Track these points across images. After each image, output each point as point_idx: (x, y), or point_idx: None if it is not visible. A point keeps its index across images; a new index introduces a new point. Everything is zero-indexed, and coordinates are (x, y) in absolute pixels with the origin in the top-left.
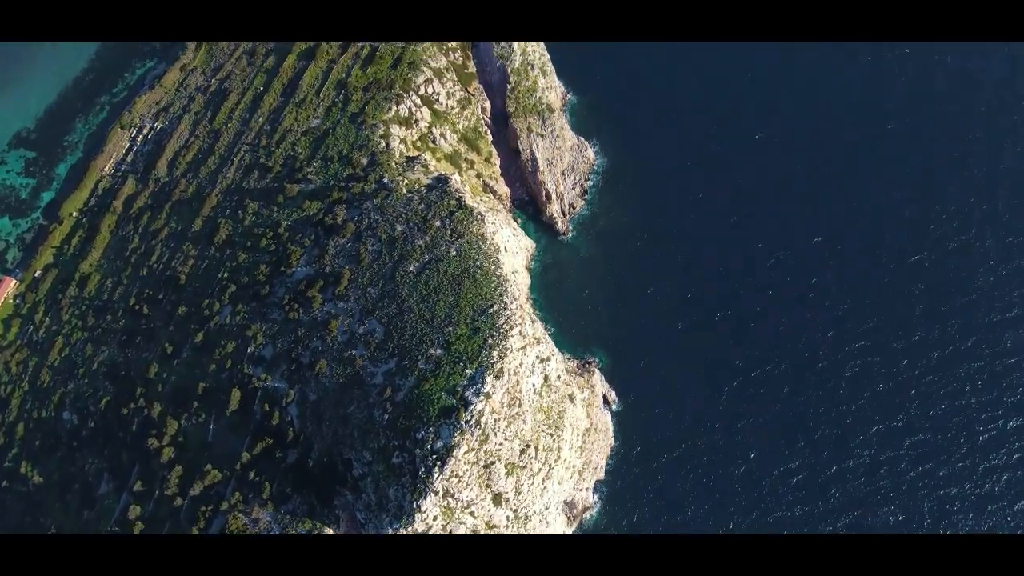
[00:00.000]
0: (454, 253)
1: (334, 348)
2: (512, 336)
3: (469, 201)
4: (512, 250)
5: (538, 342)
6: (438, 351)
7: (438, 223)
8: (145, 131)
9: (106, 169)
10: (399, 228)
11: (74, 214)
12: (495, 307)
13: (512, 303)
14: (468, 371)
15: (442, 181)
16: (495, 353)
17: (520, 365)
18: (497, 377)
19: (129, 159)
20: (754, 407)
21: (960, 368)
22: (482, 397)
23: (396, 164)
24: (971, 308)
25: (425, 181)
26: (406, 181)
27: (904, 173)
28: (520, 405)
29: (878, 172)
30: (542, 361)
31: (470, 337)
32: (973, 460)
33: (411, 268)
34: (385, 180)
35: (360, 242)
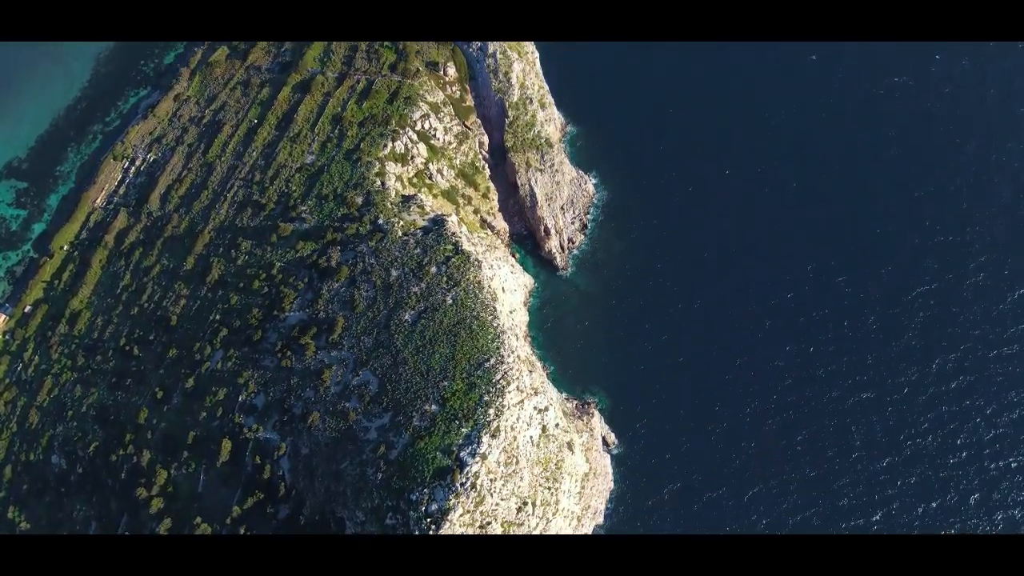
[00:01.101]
0: (450, 302)
1: (327, 399)
2: (509, 392)
3: (466, 245)
4: (510, 288)
5: (536, 392)
6: (433, 407)
7: (434, 269)
8: (138, 162)
9: (98, 201)
10: (394, 273)
11: (65, 247)
12: (492, 361)
13: (509, 356)
14: (464, 430)
15: (438, 223)
16: (491, 411)
17: (517, 420)
18: (493, 436)
19: (121, 191)
20: (755, 446)
21: (963, 389)
22: (478, 458)
23: (391, 204)
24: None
25: (421, 223)
26: (401, 223)
27: (910, 209)
28: (517, 462)
29: (885, 205)
30: (540, 412)
31: (466, 393)
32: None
33: (406, 317)
34: (380, 221)
35: (354, 287)
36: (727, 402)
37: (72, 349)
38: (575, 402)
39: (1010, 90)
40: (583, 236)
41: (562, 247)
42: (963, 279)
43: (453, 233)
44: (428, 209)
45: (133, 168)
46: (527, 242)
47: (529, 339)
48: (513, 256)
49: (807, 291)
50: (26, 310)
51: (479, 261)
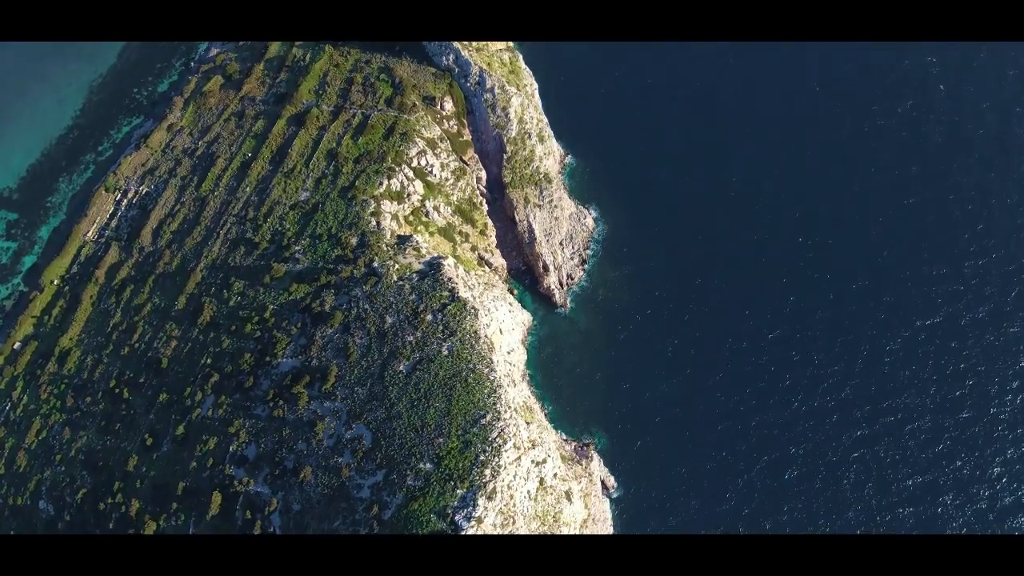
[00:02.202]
0: (446, 352)
1: (320, 453)
2: (506, 451)
3: (462, 292)
4: (508, 328)
5: (534, 446)
6: (428, 465)
7: (430, 317)
8: (130, 195)
9: (89, 234)
10: (389, 320)
11: (55, 282)
12: (488, 417)
13: (506, 412)
14: (459, 491)
15: (434, 267)
16: (487, 471)
17: (514, 478)
18: (489, 498)
19: (113, 224)
20: (757, 488)
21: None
22: (473, 521)
23: (387, 246)
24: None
25: (417, 266)
26: (397, 266)
27: (925, 252)
28: (514, 522)
29: (896, 235)
30: (538, 464)
31: (461, 451)
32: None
33: (401, 367)
34: (375, 264)
35: (348, 334)
36: (726, 441)
37: (62, 389)
38: (574, 444)
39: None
40: (582, 272)
41: (561, 283)
42: (968, 294)
43: (450, 278)
44: (424, 251)
45: (125, 200)
46: (525, 277)
47: (527, 378)
48: (511, 292)
49: (810, 327)
50: (15, 346)
51: (475, 309)
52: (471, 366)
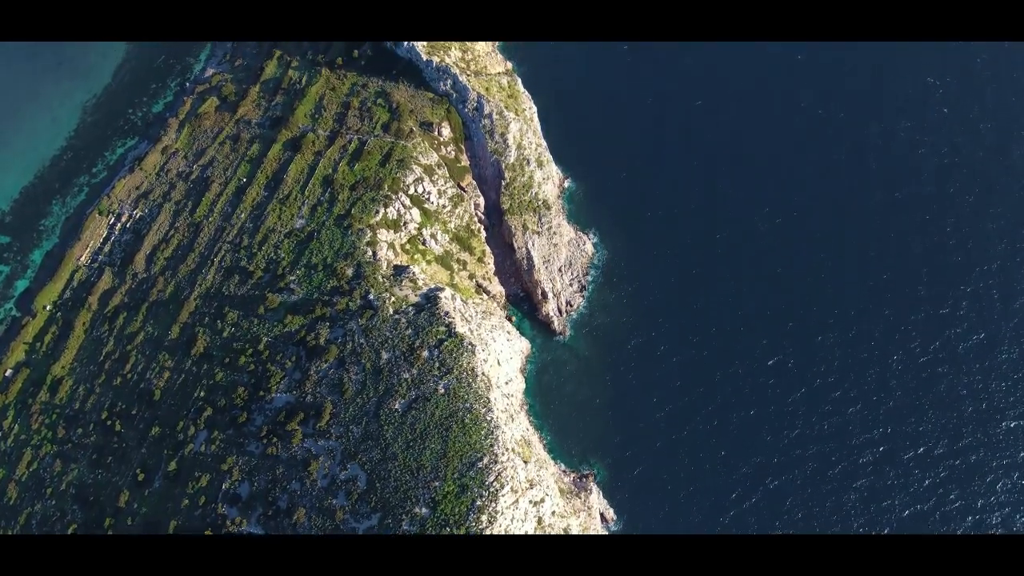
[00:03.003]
0: (442, 391)
1: (314, 494)
2: (503, 495)
3: (459, 327)
4: (506, 357)
5: (531, 486)
6: (423, 510)
7: (426, 353)
8: (124, 219)
9: (82, 259)
10: (384, 356)
11: (48, 307)
12: (485, 460)
13: (503, 454)
14: None
15: (431, 300)
16: (484, 517)
17: (511, 521)
18: None
19: (107, 249)
20: (759, 516)
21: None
22: None
23: (383, 278)
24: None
25: (413, 299)
26: (393, 299)
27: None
28: None
29: (894, 257)
30: (535, 504)
31: (457, 496)
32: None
33: (396, 406)
34: (371, 297)
35: (343, 369)
36: (727, 468)
37: (53, 420)
38: (572, 475)
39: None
40: (581, 298)
41: (560, 310)
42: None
43: (446, 312)
44: (421, 283)
45: (119, 224)
46: (524, 304)
47: (525, 407)
48: (510, 319)
49: (810, 353)
50: (7, 373)
51: (472, 345)
52: (468, 405)
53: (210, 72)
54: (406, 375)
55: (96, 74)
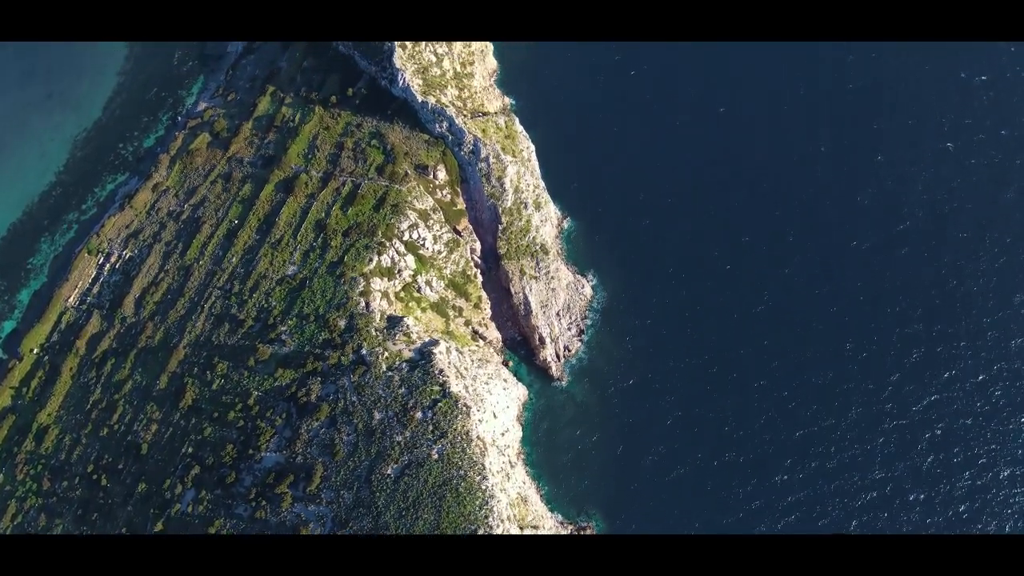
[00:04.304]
0: (436, 457)
1: None
2: None
3: (454, 386)
4: (503, 406)
5: None
6: None
7: (419, 415)
8: (113, 259)
9: (71, 300)
10: (377, 416)
11: (35, 350)
12: (480, 533)
13: (499, 526)
14: None
15: (425, 356)
16: None
17: None
18: None
19: (95, 290)
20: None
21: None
22: None
23: (376, 331)
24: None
25: (407, 354)
26: (386, 354)
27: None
28: None
29: (901, 292)
30: None
31: None
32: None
33: (389, 471)
34: (364, 351)
35: (335, 429)
36: (729, 519)
37: (38, 471)
38: (571, 527)
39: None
40: (580, 343)
41: (558, 355)
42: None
43: (441, 370)
44: (415, 336)
45: (108, 265)
46: (521, 348)
47: (523, 456)
48: (506, 364)
49: (815, 401)
50: None
51: (467, 407)
52: (462, 473)
53: (202, 106)
54: (399, 438)
55: (87, 106)
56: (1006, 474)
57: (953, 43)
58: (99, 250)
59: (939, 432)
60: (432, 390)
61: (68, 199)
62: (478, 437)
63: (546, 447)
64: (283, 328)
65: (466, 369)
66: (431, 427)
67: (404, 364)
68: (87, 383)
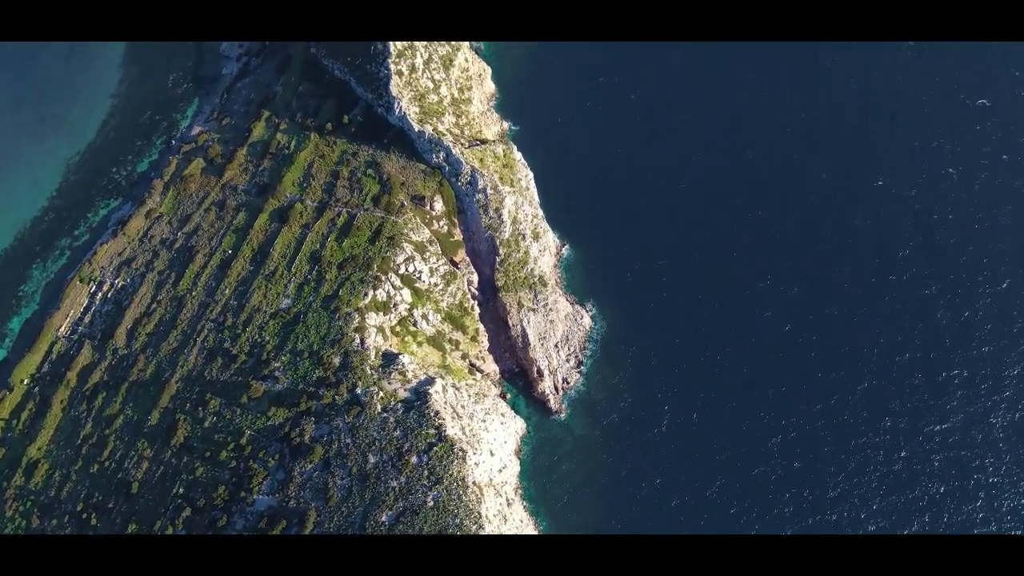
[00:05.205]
0: (431, 504)
1: None
2: None
3: (449, 429)
4: (500, 442)
5: None
6: None
7: (415, 459)
8: (105, 287)
9: (62, 329)
10: (372, 460)
11: (25, 381)
12: None
13: None
14: None
15: (421, 396)
16: None
17: None
18: None
19: (87, 319)
20: None
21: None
22: None
23: (371, 369)
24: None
25: (402, 394)
26: (381, 394)
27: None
28: None
29: (904, 329)
30: None
31: None
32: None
33: (383, 518)
34: (358, 391)
35: (329, 472)
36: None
37: (27, 507)
38: None
39: None
40: (579, 374)
41: (556, 388)
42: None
43: (436, 412)
44: (410, 374)
45: (100, 294)
46: (519, 379)
47: (520, 491)
48: (504, 397)
49: (815, 436)
50: None
51: (463, 451)
52: (458, 521)
53: (197, 130)
54: (393, 483)
55: (80, 130)
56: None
57: (955, 67)
58: (91, 278)
59: (936, 464)
60: (428, 433)
61: (60, 224)
62: (474, 483)
63: (544, 481)
64: (277, 364)
65: (463, 407)
66: (426, 472)
67: (399, 405)
68: (78, 416)
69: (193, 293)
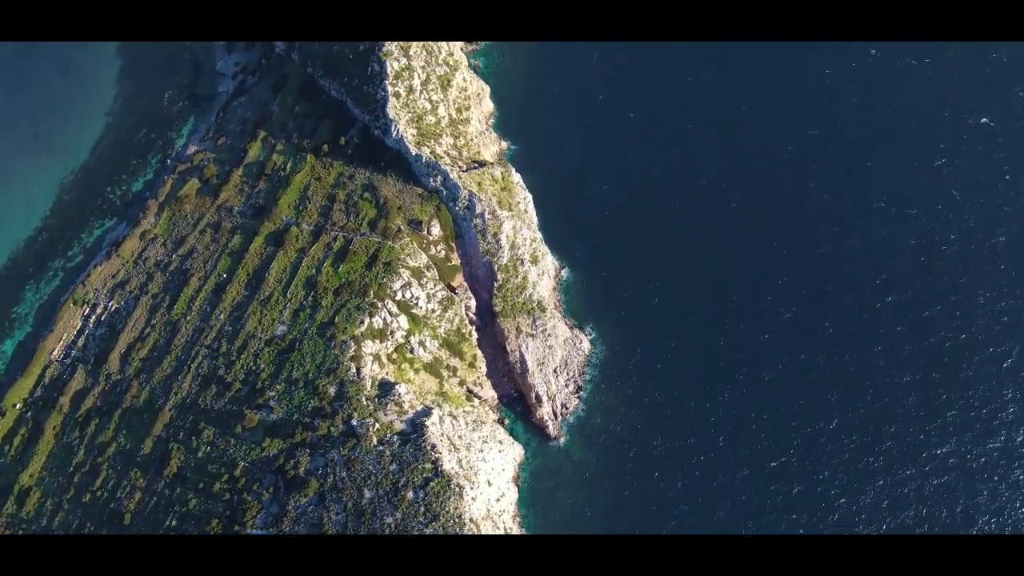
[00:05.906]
0: None
1: None
2: None
3: (446, 463)
4: (498, 470)
5: None
6: None
7: (411, 495)
8: (99, 310)
9: (55, 353)
10: (367, 495)
11: (18, 405)
12: None
13: None
14: None
15: (417, 428)
16: None
17: None
18: None
19: (80, 343)
20: None
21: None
22: None
23: (367, 399)
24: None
25: (399, 426)
26: (377, 426)
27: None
28: None
29: (904, 353)
30: None
31: None
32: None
33: None
34: (354, 423)
35: (323, 507)
36: None
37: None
38: None
39: None
40: (578, 400)
41: (555, 414)
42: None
43: (433, 445)
44: (407, 405)
45: (94, 317)
46: (517, 404)
47: (519, 519)
48: (502, 423)
49: (819, 460)
50: None
51: (460, 487)
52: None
53: (192, 149)
54: (389, 519)
55: (74, 149)
56: None
57: (957, 85)
58: (85, 301)
59: (932, 487)
60: (424, 468)
61: (54, 244)
62: (471, 519)
63: (543, 508)
64: (271, 393)
65: (460, 438)
66: (423, 508)
67: (395, 437)
68: (70, 443)
69: (188, 317)
